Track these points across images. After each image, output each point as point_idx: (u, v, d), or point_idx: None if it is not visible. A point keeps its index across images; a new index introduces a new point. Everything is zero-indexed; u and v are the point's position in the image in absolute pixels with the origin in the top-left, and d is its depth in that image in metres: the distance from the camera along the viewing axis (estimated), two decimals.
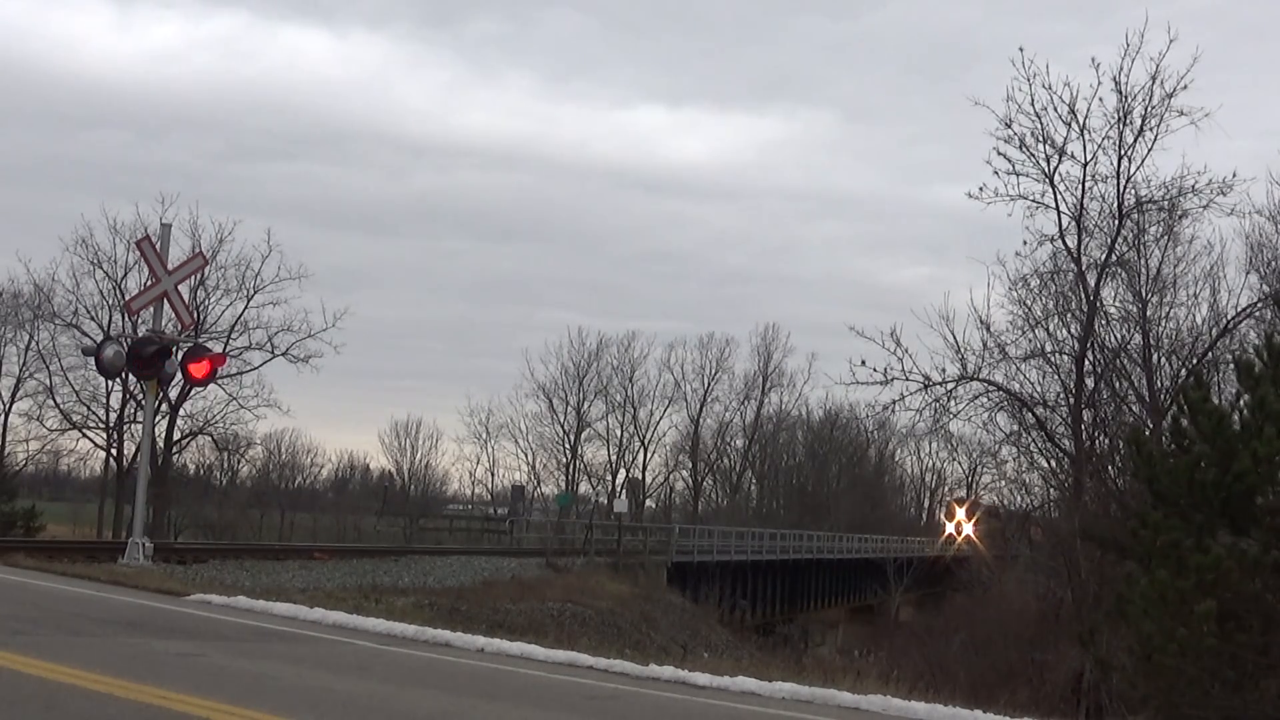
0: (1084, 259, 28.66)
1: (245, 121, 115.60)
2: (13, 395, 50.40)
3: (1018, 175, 27.92)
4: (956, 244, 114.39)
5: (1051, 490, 31.94)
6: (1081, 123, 27.55)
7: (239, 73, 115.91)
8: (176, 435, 47.82)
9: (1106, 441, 29.40)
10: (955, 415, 29.30)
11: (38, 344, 48.56)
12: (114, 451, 47.51)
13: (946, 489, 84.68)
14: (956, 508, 80.00)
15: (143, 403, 32.27)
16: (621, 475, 77.22)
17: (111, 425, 47.18)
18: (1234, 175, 26.86)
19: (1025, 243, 28.34)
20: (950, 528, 78.00)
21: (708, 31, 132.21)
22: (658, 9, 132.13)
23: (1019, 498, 35.78)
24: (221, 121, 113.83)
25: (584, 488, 77.76)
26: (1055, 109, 27.52)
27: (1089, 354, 28.77)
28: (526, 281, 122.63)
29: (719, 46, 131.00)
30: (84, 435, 48.75)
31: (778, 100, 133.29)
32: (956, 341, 28.39)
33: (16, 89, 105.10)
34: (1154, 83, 26.73)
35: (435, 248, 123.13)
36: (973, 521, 75.86)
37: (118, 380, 41.85)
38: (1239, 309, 28.46)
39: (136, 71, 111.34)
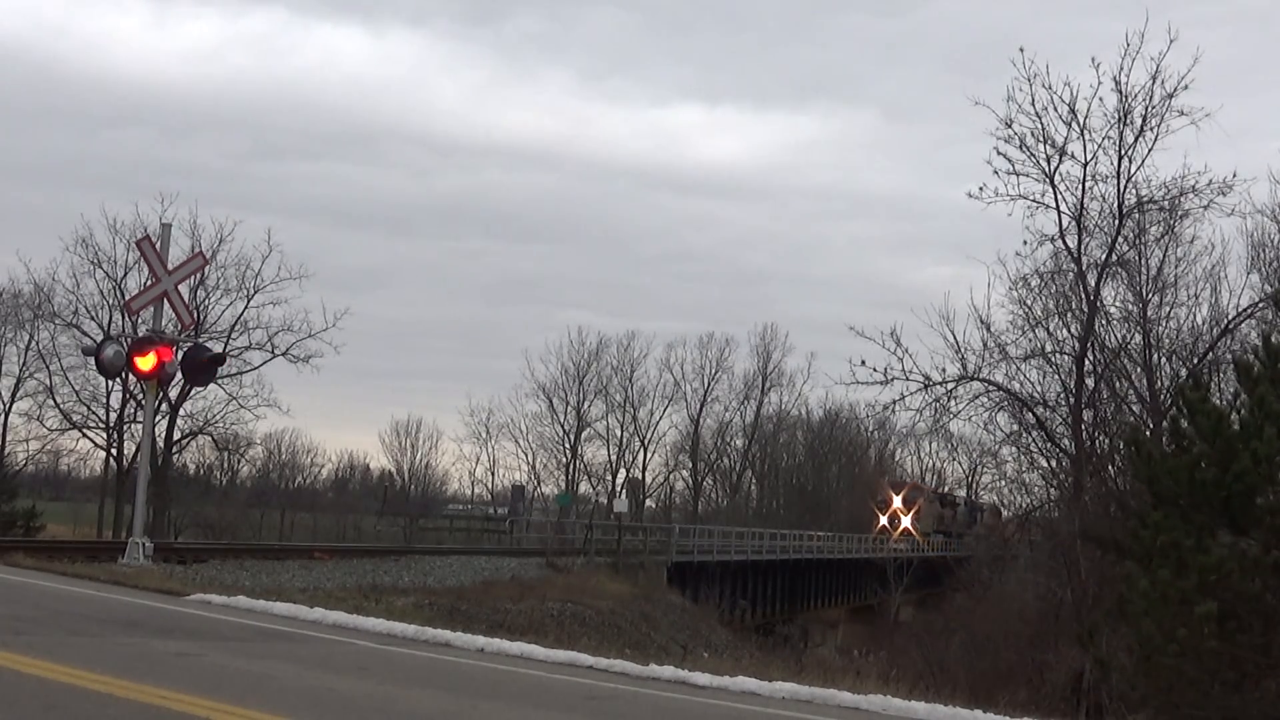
0: (1084, 259, 28.71)
1: (274, 121, 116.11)
2: (13, 395, 50.53)
3: (1018, 175, 27.98)
4: (981, 243, 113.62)
5: (1051, 490, 31.96)
6: (1082, 123, 27.62)
7: (272, 71, 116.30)
8: (176, 435, 47.82)
9: (1106, 441, 29.40)
10: (955, 415, 29.38)
11: (38, 344, 48.66)
12: (114, 451, 47.52)
13: (946, 486, 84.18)
14: (892, 494, 73.48)
15: (143, 403, 32.27)
16: (621, 475, 77.32)
17: (111, 425, 47.18)
18: (1234, 175, 26.94)
19: (1025, 242, 28.41)
20: (884, 519, 72.09)
21: (751, 28, 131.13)
22: (702, 5, 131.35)
23: (1019, 498, 35.82)
24: (250, 121, 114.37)
25: (584, 488, 77.91)
26: (1055, 109, 27.59)
27: (1089, 354, 28.77)
28: (547, 282, 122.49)
29: (761, 44, 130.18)
30: (84, 435, 48.83)
31: (818, 99, 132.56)
32: (957, 341, 28.45)
33: (47, 88, 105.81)
34: (1154, 83, 26.80)
35: (457, 248, 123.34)
36: (913, 512, 72.15)
37: (118, 380, 41.87)
38: (1240, 309, 28.51)
39: (169, 70, 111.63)
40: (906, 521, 71.50)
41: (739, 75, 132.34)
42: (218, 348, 38.57)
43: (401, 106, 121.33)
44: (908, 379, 27.36)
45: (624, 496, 60.83)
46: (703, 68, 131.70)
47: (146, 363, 20.54)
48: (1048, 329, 29.56)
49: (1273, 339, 12.34)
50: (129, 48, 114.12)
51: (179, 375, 23.81)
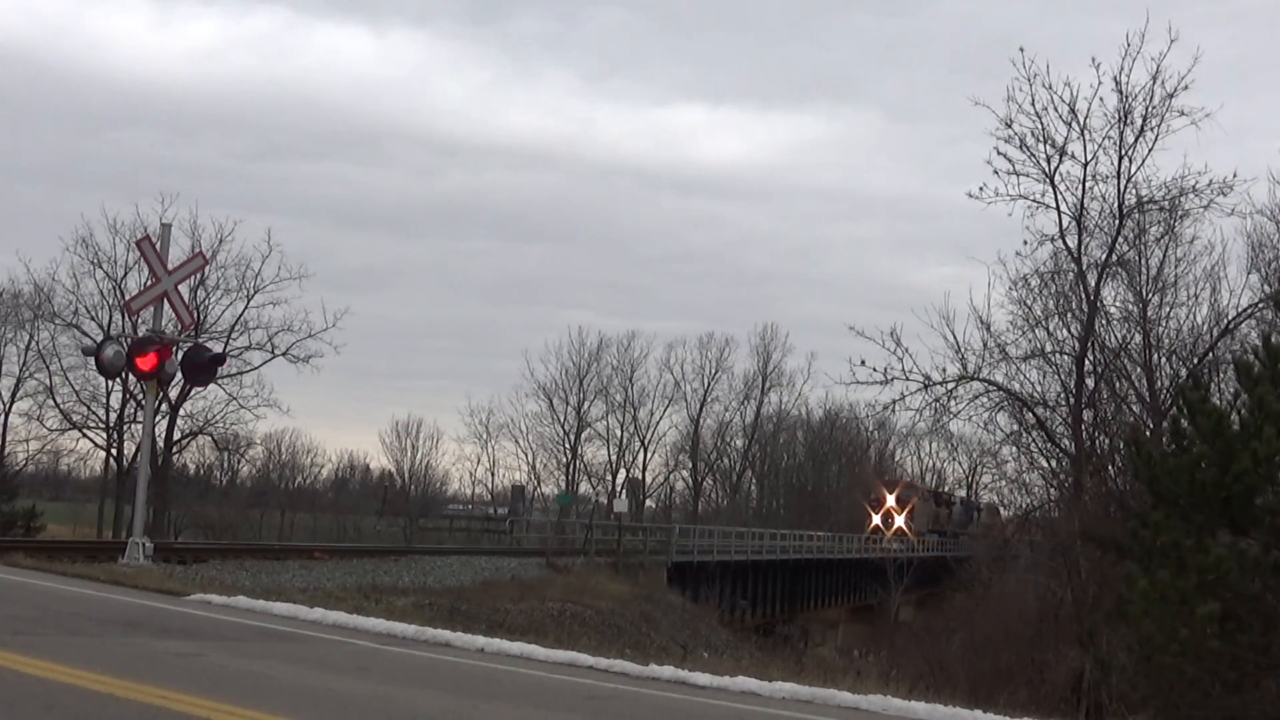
0: (1084, 259, 28.75)
1: (276, 121, 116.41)
2: (13, 395, 50.60)
3: (1018, 175, 28.04)
4: (982, 244, 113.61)
5: (1051, 490, 31.97)
6: (1082, 123, 27.67)
7: (275, 71, 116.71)
8: (176, 435, 47.87)
9: (1106, 441, 29.41)
10: (955, 415, 29.40)
11: (38, 344, 48.74)
12: (114, 451, 47.56)
13: (946, 486, 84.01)
14: (886, 493, 72.57)
15: (143, 403, 32.26)
16: (621, 475, 77.36)
17: (111, 425, 47.23)
18: (1234, 175, 26.99)
19: (1026, 242, 28.46)
20: (877, 519, 71.43)
21: (754, 28, 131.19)
22: (704, 5, 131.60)
23: (1019, 498, 35.82)
24: (253, 121, 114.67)
25: (584, 488, 77.95)
26: (1056, 109, 27.63)
27: (1089, 354, 28.79)
28: (548, 282, 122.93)
29: (763, 44, 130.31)
30: (84, 435, 48.90)
31: (821, 99, 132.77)
32: (957, 341, 28.48)
33: (49, 88, 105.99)
34: (1155, 83, 26.84)
35: (458, 248, 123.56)
36: (907, 510, 71.52)
37: (118, 380, 41.89)
38: (1240, 309, 28.55)
39: (172, 70, 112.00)
40: (900, 520, 70.99)
41: (741, 75, 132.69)
42: (218, 348, 38.57)
43: (404, 106, 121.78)
44: (908, 379, 27.42)
45: (624, 496, 60.81)
46: (705, 68, 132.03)
47: (146, 363, 20.55)
48: (1048, 329, 29.63)
49: (1273, 339, 12.33)
50: (132, 47, 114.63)
51: (179, 375, 23.80)
